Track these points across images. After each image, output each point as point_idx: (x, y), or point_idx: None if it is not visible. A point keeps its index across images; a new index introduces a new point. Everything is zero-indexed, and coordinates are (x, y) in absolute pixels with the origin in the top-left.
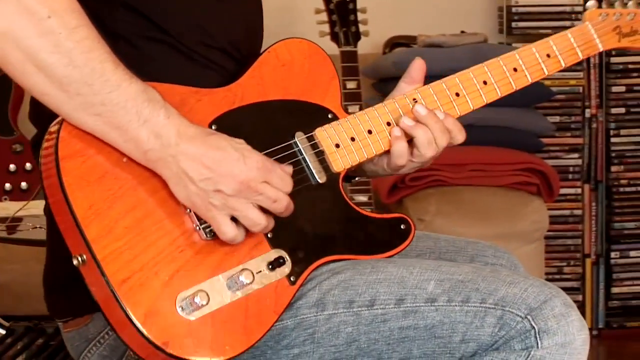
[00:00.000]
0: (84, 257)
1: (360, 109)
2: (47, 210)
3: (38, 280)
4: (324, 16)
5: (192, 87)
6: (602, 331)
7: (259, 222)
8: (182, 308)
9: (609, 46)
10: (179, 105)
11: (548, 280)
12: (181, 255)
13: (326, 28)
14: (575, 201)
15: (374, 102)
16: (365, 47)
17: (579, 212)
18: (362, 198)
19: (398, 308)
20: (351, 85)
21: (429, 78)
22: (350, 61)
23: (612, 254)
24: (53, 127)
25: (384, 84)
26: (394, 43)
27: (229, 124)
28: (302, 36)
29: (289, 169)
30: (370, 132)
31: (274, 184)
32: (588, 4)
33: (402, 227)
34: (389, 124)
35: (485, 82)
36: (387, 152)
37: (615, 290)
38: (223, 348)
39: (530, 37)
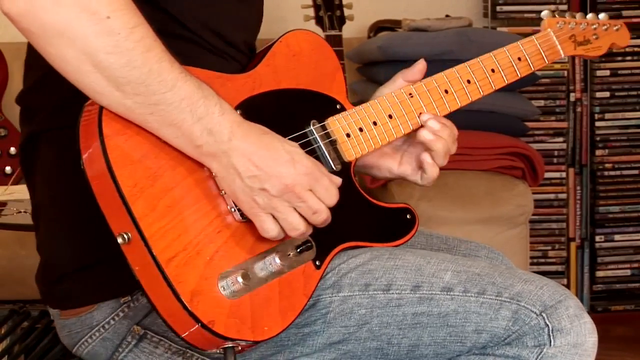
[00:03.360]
0: (129, 235)
1: (346, 93)
2: (61, 194)
3: (22, 264)
4: (308, 0)
5: (215, 72)
6: None
7: (298, 227)
8: (223, 288)
9: (568, 53)
10: None
11: (532, 264)
12: (219, 236)
13: (311, 12)
14: (560, 185)
15: (358, 86)
16: (350, 31)
17: (563, 196)
18: None
19: (414, 294)
20: None
21: (413, 61)
22: (335, 45)
23: (597, 238)
24: (90, 105)
25: (369, 68)
26: (378, 27)
27: (252, 109)
28: (287, 20)
29: (338, 180)
30: (375, 123)
31: (317, 194)
32: (542, 13)
33: (407, 216)
34: (390, 116)
35: (469, 81)
36: (393, 159)
37: (599, 274)
38: (262, 329)
39: (514, 21)
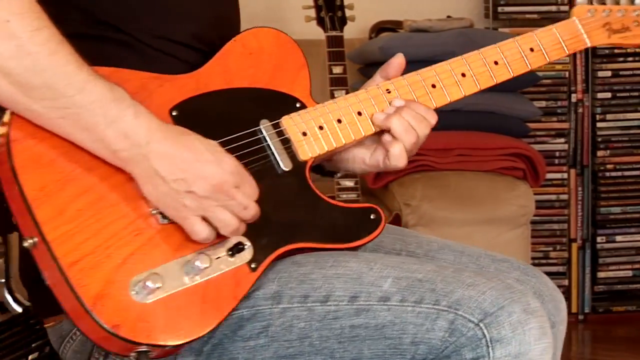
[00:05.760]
0: (35, 239)
1: (347, 93)
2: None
3: None
4: (310, 1)
5: (153, 73)
6: (588, 316)
7: (230, 223)
8: (136, 292)
9: (598, 42)
10: (138, 90)
11: (534, 265)
12: (137, 239)
13: (312, 13)
14: (561, 186)
15: (360, 86)
16: (352, 32)
17: (565, 196)
18: (349, 183)
19: (351, 305)
20: (337, 70)
21: (416, 63)
22: (336, 46)
23: (598, 239)
24: (7, 112)
25: (370, 69)
26: (380, 28)
27: (191, 110)
28: (288, 21)
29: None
30: (339, 121)
31: (244, 190)
32: (578, 0)
33: (371, 216)
34: (359, 113)
35: (463, 75)
36: (367, 148)
37: (601, 274)
38: (178, 332)
39: (516, 22)
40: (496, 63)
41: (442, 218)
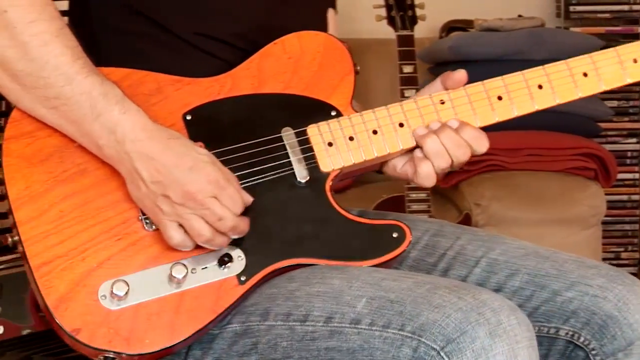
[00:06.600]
0: (16, 238)
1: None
2: None
3: None
4: (380, 0)
5: (173, 76)
6: None
7: (203, 233)
8: (104, 297)
9: None
10: (154, 92)
11: None
12: (117, 244)
13: (383, 12)
14: (633, 186)
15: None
16: (422, 31)
17: (636, 197)
18: None
19: (326, 326)
20: (407, 69)
21: (487, 62)
22: (407, 45)
23: None
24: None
25: (440, 68)
26: (450, 27)
27: (207, 114)
28: (358, 20)
29: (248, 197)
30: (375, 132)
31: (222, 202)
32: None
33: (394, 235)
34: (401, 124)
35: (540, 86)
36: (401, 156)
37: None
38: (142, 342)
39: (588, 21)
40: (585, 75)
41: (512, 218)
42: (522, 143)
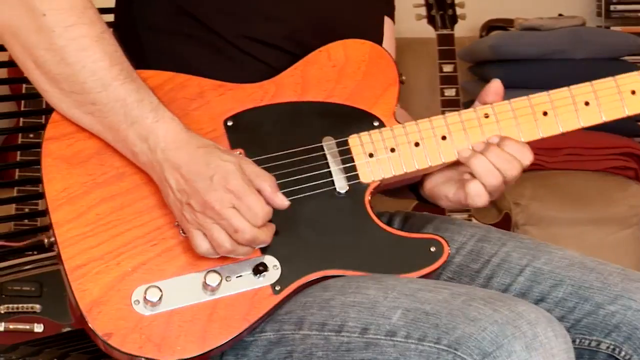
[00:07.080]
0: (52, 239)
1: (457, 92)
2: None
3: None
4: None
5: (216, 81)
6: None
7: (223, 244)
8: (137, 302)
9: None
10: (196, 97)
11: None
12: (152, 249)
13: (423, 11)
14: None
15: (469, 85)
16: (462, 30)
17: None
18: None
19: (361, 338)
20: (447, 68)
21: (527, 61)
22: (447, 44)
23: None
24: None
25: (481, 67)
26: (490, 26)
27: (249, 121)
28: (398, 20)
29: (282, 200)
30: (417, 144)
31: (241, 212)
32: None
33: (431, 249)
34: (444, 137)
35: (587, 103)
36: (450, 185)
37: None
38: (173, 348)
39: (629, 20)
40: (633, 93)
41: (551, 217)
42: (562, 143)
